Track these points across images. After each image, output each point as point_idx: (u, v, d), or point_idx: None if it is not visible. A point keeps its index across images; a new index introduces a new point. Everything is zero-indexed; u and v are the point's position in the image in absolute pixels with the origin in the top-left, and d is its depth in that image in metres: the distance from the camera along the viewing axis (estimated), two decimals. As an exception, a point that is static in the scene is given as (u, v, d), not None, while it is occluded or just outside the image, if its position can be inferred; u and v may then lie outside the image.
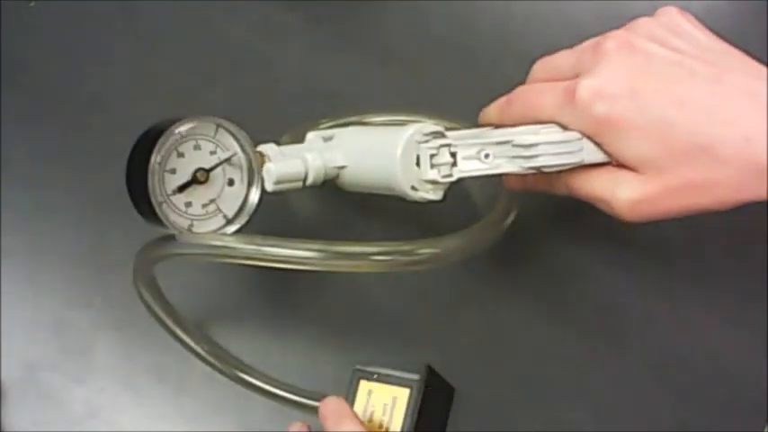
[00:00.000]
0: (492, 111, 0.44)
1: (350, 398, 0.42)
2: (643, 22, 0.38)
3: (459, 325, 0.48)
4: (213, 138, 0.43)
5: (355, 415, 0.40)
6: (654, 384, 0.46)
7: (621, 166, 0.37)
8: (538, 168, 0.38)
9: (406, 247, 0.38)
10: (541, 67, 0.43)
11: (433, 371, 0.43)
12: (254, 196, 0.44)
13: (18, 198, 0.52)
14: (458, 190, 0.43)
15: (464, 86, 0.55)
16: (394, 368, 0.42)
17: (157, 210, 0.41)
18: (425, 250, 0.39)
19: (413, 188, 0.39)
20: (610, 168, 0.38)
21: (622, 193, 0.37)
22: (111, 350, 0.49)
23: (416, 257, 0.38)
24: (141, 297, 0.45)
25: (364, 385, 0.42)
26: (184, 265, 0.48)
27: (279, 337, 0.48)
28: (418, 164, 0.38)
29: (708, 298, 0.48)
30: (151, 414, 0.47)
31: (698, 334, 0.47)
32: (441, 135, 0.38)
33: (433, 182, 0.38)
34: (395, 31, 0.57)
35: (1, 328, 0.49)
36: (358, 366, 0.43)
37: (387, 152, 0.39)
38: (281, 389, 0.44)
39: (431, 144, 0.38)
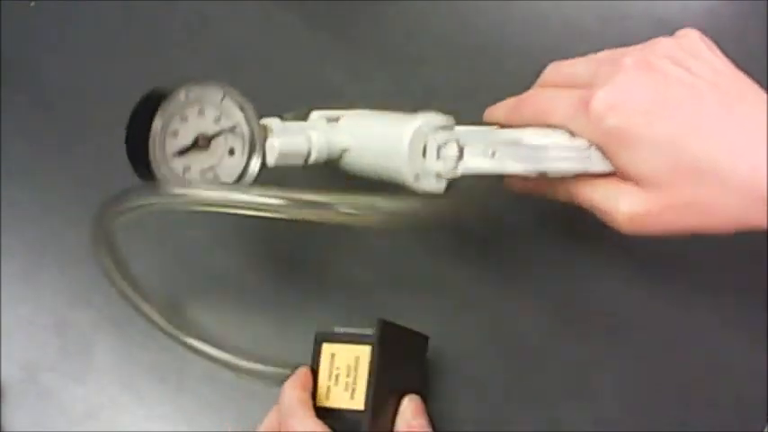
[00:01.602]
0: (500, 110, 0.44)
1: (314, 363, 0.42)
2: (663, 42, 0.39)
3: (460, 325, 0.48)
4: (218, 105, 0.42)
5: (309, 410, 0.40)
6: (654, 384, 0.46)
7: (626, 178, 0.38)
8: (543, 172, 0.38)
9: (374, 202, 0.38)
10: (554, 71, 0.43)
11: (388, 324, 0.42)
12: (254, 167, 0.43)
13: (18, 197, 0.52)
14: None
15: (464, 86, 0.55)
16: (353, 326, 0.42)
17: (156, 171, 0.40)
18: (388, 205, 0.38)
19: (416, 177, 0.39)
20: (614, 179, 0.38)
21: (624, 206, 0.37)
22: (110, 350, 0.49)
23: (380, 213, 0.38)
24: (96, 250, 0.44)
25: (327, 348, 0.42)
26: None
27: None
28: (424, 154, 0.38)
29: (708, 298, 0.48)
30: (151, 414, 0.47)
31: (698, 334, 0.47)
32: (450, 128, 0.39)
33: (437, 174, 0.38)
34: (395, 31, 0.57)
35: (1, 327, 0.49)
36: (319, 330, 0.42)
37: (394, 139, 0.39)
38: (234, 356, 0.44)
39: (439, 136, 0.38)
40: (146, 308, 0.45)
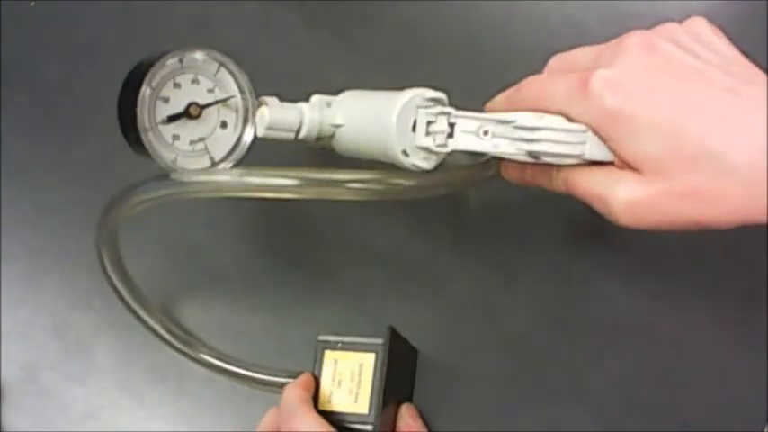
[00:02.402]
0: (500, 98, 0.42)
1: (316, 369, 0.43)
2: (668, 26, 0.37)
3: (459, 326, 0.48)
4: (213, 76, 0.42)
5: (311, 408, 0.41)
6: (654, 384, 0.46)
7: (624, 168, 0.36)
8: (536, 154, 0.37)
9: (380, 177, 0.39)
10: (559, 60, 0.42)
11: (396, 333, 0.44)
12: (247, 137, 0.43)
13: (18, 199, 0.52)
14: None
15: (464, 86, 0.54)
16: (357, 335, 0.43)
17: (143, 136, 0.40)
18: (400, 181, 0.39)
19: (404, 153, 0.38)
20: (612, 168, 0.36)
21: (621, 192, 0.35)
22: (110, 351, 0.49)
23: (391, 187, 0.39)
24: (101, 260, 0.46)
25: (329, 355, 0.43)
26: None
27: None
28: (414, 129, 0.37)
29: (708, 298, 0.48)
30: (150, 414, 0.47)
31: (698, 334, 0.47)
32: (442, 103, 0.38)
33: (426, 149, 0.37)
34: (395, 31, 0.57)
35: (1, 328, 0.49)
36: (321, 337, 0.43)
37: (384, 113, 0.38)
38: (237, 366, 0.46)
39: (430, 110, 0.37)
40: (147, 317, 0.46)
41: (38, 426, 0.47)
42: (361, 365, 0.42)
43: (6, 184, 0.53)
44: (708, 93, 0.34)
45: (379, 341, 0.43)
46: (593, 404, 0.46)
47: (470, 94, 0.54)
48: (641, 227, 0.35)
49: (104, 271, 0.46)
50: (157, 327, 0.46)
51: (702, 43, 0.36)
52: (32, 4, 0.59)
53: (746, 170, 0.32)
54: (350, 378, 0.42)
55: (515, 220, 0.50)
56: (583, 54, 0.40)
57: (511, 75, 0.55)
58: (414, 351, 0.47)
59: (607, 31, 0.56)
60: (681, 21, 0.38)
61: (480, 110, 0.44)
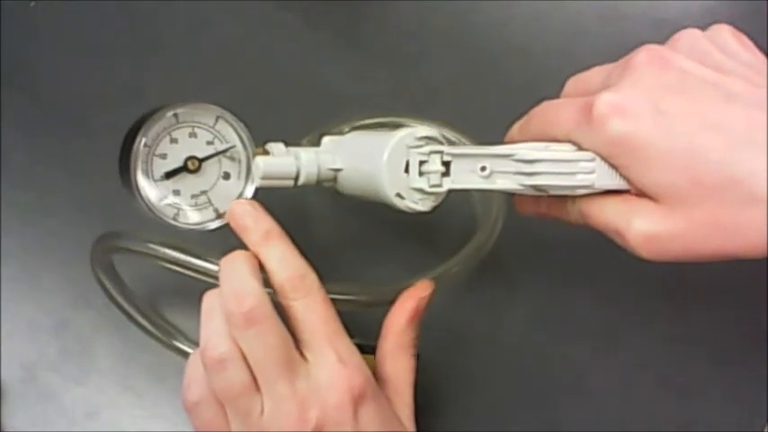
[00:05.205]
0: (514, 129, 0.40)
1: None
2: (687, 34, 0.35)
3: (459, 325, 0.48)
4: (212, 128, 0.41)
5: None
6: (654, 384, 0.46)
7: (641, 195, 0.33)
8: (539, 188, 0.35)
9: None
10: (573, 84, 0.39)
11: None
12: (250, 188, 0.42)
13: (18, 198, 0.52)
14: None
15: (465, 86, 0.55)
16: (357, 336, 0.42)
17: (140, 194, 0.40)
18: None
19: (398, 196, 0.36)
20: (627, 196, 0.34)
21: (638, 225, 0.33)
22: (110, 350, 0.49)
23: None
24: (99, 281, 0.46)
25: None
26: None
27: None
28: (407, 170, 0.36)
29: (707, 299, 0.48)
30: (151, 414, 0.47)
31: (698, 334, 0.47)
32: (435, 141, 0.36)
33: (421, 191, 0.36)
34: (395, 31, 0.57)
35: (1, 328, 0.49)
36: None
37: (376, 155, 0.36)
38: None
39: (422, 149, 0.35)
40: (143, 321, 0.47)
41: (38, 426, 0.47)
42: None
43: (6, 184, 0.53)
44: (727, 110, 0.31)
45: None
46: (593, 404, 0.46)
47: (470, 93, 0.54)
48: (663, 260, 0.33)
49: (95, 272, 0.46)
50: (148, 325, 0.46)
51: (725, 52, 0.34)
52: (32, 4, 0.59)
53: None
54: None
55: (515, 219, 0.50)
56: (595, 74, 0.37)
57: (510, 74, 0.55)
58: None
59: (606, 31, 0.56)
60: (672, 33, 0.36)
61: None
